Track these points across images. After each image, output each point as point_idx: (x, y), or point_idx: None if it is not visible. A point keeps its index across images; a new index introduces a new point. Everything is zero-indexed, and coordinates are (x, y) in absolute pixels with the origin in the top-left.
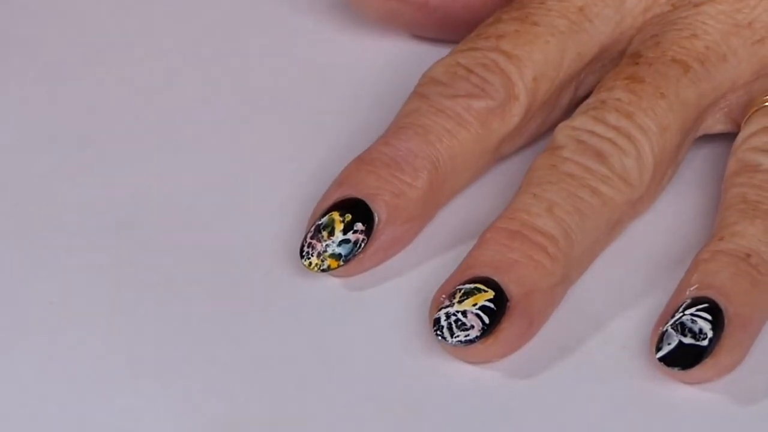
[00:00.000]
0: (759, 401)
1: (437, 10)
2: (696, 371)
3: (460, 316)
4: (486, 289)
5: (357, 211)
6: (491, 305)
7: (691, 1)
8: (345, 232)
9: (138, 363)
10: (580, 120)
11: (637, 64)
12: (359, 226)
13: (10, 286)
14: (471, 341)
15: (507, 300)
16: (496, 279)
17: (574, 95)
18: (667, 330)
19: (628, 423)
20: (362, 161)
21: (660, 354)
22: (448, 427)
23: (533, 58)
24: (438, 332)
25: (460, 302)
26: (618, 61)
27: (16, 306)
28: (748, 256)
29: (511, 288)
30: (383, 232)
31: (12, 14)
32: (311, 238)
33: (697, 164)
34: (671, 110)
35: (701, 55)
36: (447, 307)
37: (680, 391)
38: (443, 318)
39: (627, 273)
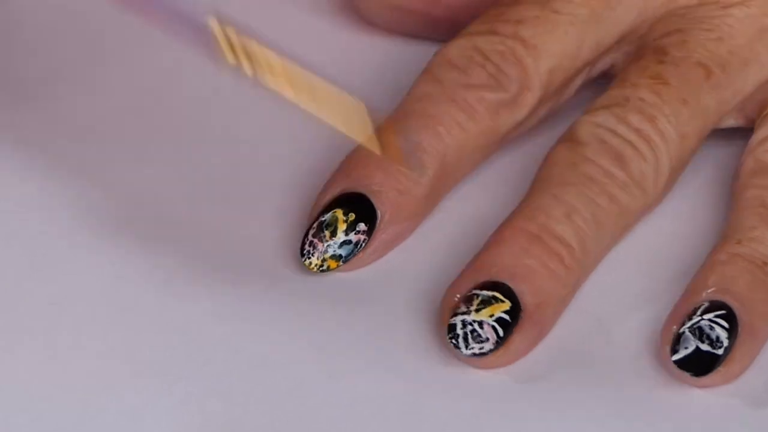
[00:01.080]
0: (760, 402)
1: (442, 19)
2: (706, 378)
3: (476, 326)
4: (503, 299)
5: (360, 207)
6: (507, 317)
7: (719, 2)
8: (347, 233)
9: (138, 363)
10: (603, 116)
11: (662, 62)
12: (362, 226)
13: (10, 286)
14: (484, 354)
15: (521, 310)
16: (512, 287)
17: (587, 77)
18: (684, 333)
19: (628, 423)
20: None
21: (676, 357)
22: (448, 427)
23: (551, 49)
24: (453, 340)
25: (477, 311)
26: (636, 44)
27: (16, 306)
28: (765, 264)
29: (526, 299)
30: (385, 230)
31: (12, 14)
32: (313, 236)
33: (698, 164)
34: (693, 117)
35: (724, 60)
36: (464, 314)
37: (681, 392)
38: (459, 326)
39: (628, 273)
